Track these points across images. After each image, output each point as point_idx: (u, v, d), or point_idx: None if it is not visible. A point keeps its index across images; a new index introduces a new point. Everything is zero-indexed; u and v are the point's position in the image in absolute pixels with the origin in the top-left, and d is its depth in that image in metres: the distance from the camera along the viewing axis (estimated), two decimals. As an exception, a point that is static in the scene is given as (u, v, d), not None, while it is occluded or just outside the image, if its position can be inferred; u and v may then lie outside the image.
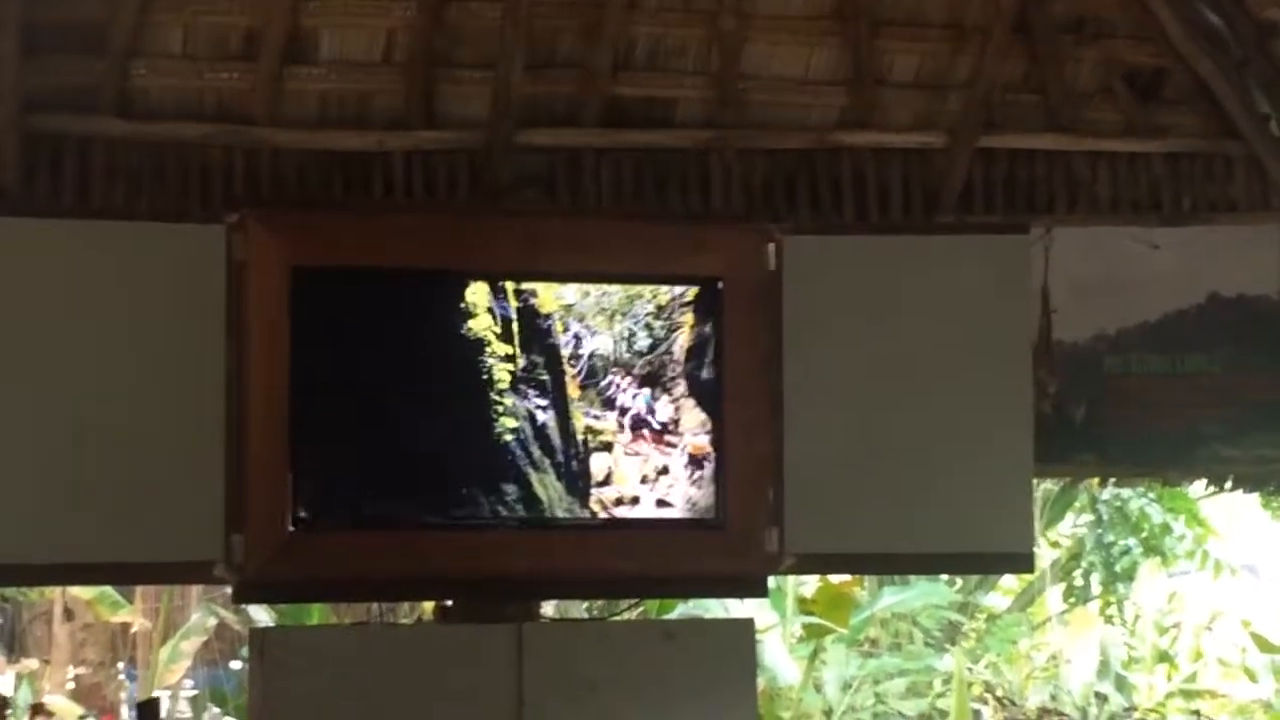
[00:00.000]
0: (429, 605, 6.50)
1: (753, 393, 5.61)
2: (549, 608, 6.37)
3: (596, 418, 5.58)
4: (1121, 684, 13.59)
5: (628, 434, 5.57)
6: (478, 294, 5.45)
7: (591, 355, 5.56)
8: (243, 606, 11.51)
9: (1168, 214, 6.75)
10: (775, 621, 12.46)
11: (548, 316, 5.53)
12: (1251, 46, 6.62)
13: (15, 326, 5.34)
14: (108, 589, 12.70)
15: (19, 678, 13.95)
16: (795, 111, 6.70)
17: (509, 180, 6.41)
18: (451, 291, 5.46)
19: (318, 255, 5.43)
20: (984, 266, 5.85)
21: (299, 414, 5.34)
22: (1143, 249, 6.69)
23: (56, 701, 12.99)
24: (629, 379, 5.59)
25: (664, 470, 5.61)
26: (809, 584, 12.53)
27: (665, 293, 5.59)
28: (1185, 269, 6.69)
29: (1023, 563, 6.17)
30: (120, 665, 14.76)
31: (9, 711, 11.78)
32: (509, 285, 5.47)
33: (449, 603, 5.69)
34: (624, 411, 5.59)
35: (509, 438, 5.49)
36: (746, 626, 5.80)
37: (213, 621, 13.37)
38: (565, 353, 5.53)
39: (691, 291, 5.60)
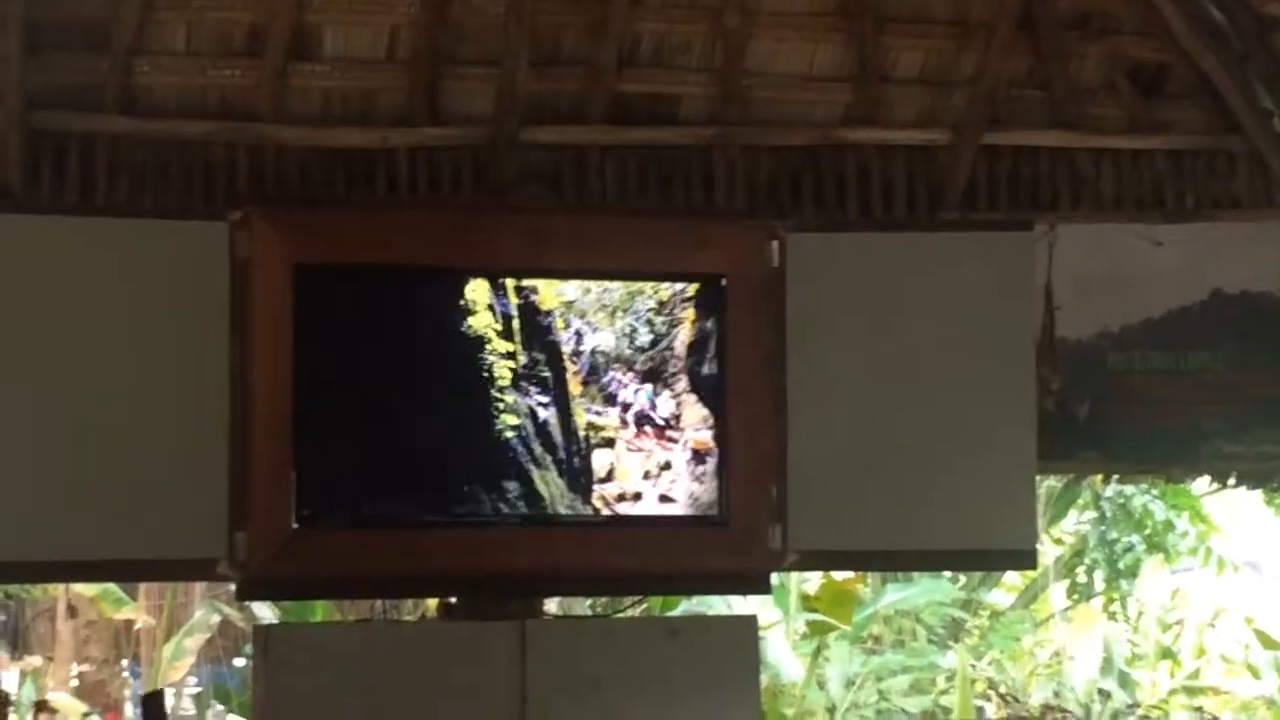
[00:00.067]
0: (432, 602, 6.52)
1: (756, 390, 5.60)
2: (552, 605, 6.35)
3: (598, 414, 5.58)
4: (1124, 681, 13.60)
5: (631, 430, 5.57)
6: (477, 291, 5.45)
7: (593, 352, 5.55)
8: (246, 604, 11.50)
9: (1171, 210, 6.75)
10: (779, 618, 12.47)
11: (548, 313, 5.53)
12: (1254, 41, 6.61)
13: (19, 324, 5.35)
14: (111, 586, 12.70)
15: (22, 675, 13.96)
16: (799, 108, 6.70)
17: (513, 177, 6.42)
18: (452, 289, 5.46)
19: (321, 252, 5.43)
20: (988, 263, 5.85)
21: (302, 411, 5.34)
22: (1146, 246, 6.68)
23: (60, 699, 12.99)
24: (631, 375, 5.59)
25: (666, 466, 5.61)
26: (812, 581, 12.54)
27: (666, 288, 5.59)
28: (1188, 265, 6.69)
29: (1026, 560, 6.17)
30: (124, 662, 14.77)
31: (11, 708, 11.79)
32: (509, 282, 5.47)
33: (452, 600, 5.69)
34: (626, 408, 5.59)
35: (510, 435, 5.49)
36: (750, 623, 5.80)
37: (216, 619, 13.38)
38: (566, 349, 5.53)
39: (692, 287, 5.60)
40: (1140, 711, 12.79)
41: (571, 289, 5.54)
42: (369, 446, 5.45)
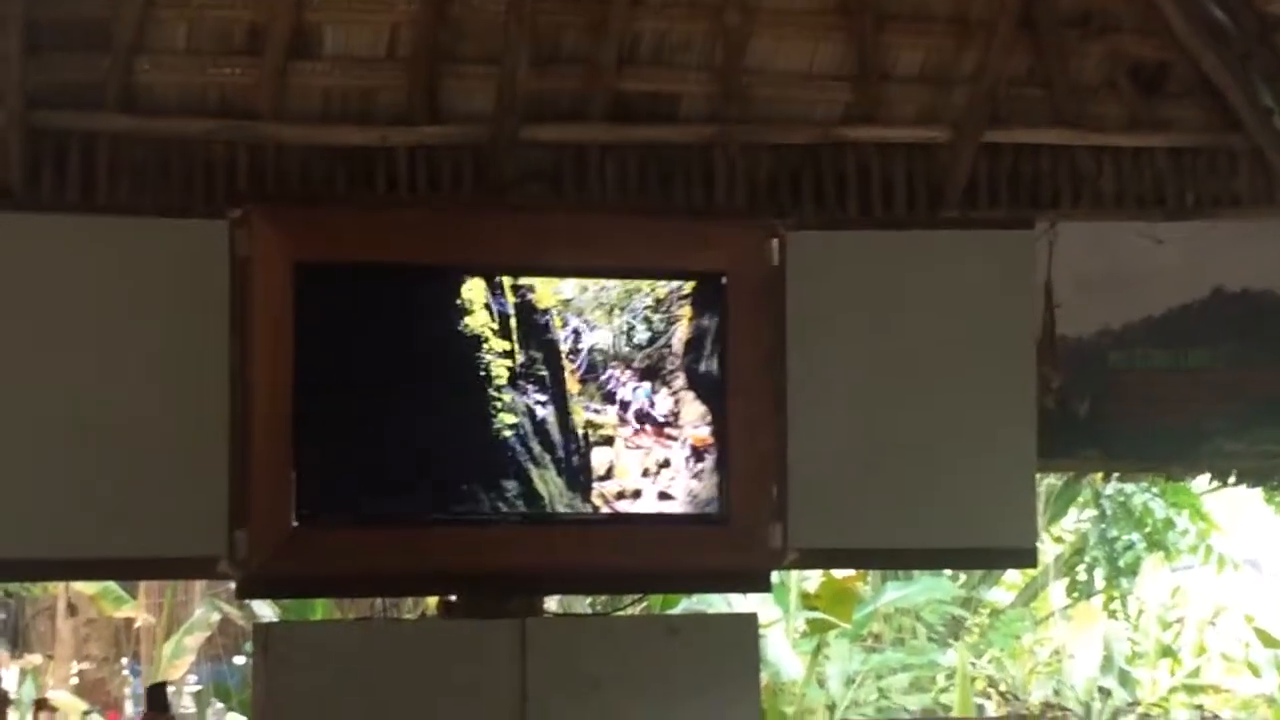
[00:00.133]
0: (432, 601, 6.51)
1: (756, 388, 5.61)
2: (552, 603, 6.36)
3: (597, 412, 5.58)
4: (1125, 679, 13.58)
5: (631, 428, 5.58)
6: (474, 290, 5.45)
7: (591, 350, 5.56)
8: (246, 602, 11.49)
9: (1172, 209, 6.74)
10: (778, 616, 12.46)
11: (545, 312, 5.53)
12: (1255, 40, 6.61)
13: (20, 322, 5.36)
14: (111, 584, 12.70)
15: (22, 673, 13.94)
16: (800, 106, 6.70)
17: (514, 176, 6.41)
18: (451, 287, 5.46)
19: (321, 251, 5.43)
20: (988, 261, 5.86)
21: (302, 409, 5.35)
22: (1147, 244, 6.68)
23: (60, 697, 12.97)
24: (629, 373, 5.59)
25: (665, 463, 5.61)
26: (812, 579, 12.53)
27: (663, 286, 5.60)
28: (1189, 264, 6.68)
29: (1026, 558, 6.19)
30: (124, 661, 14.75)
31: (11, 706, 11.78)
32: (506, 281, 5.48)
33: (452, 598, 5.69)
34: (625, 405, 5.60)
35: (508, 434, 5.50)
36: (750, 622, 5.81)
37: (216, 617, 13.36)
38: (564, 348, 5.53)
39: (689, 285, 5.60)
40: (1140, 710, 12.78)
41: (569, 287, 5.54)
42: (369, 445, 5.45)
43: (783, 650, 12.40)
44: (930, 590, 13.41)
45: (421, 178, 6.41)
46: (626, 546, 5.56)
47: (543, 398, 5.52)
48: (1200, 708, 12.48)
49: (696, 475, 5.61)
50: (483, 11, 6.39)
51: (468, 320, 5.48)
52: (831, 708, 12.96)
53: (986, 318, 5.82)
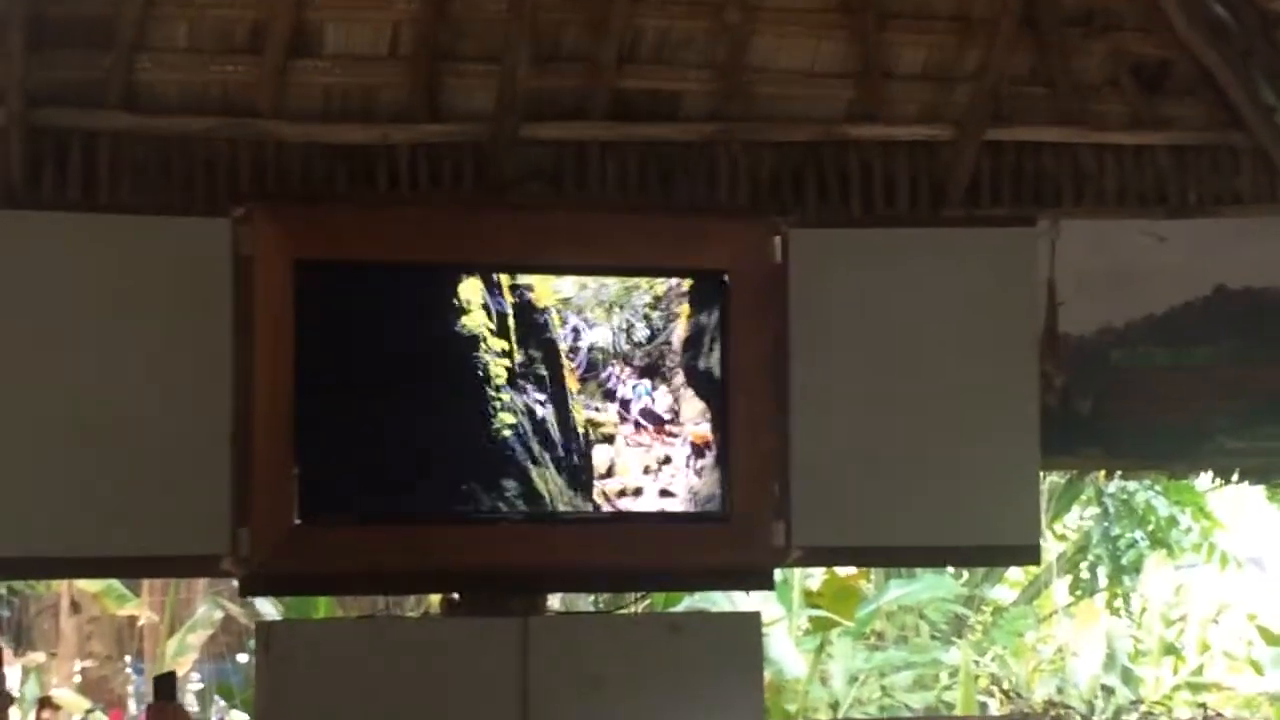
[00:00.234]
0: (435, 599, 6.51)
1: (759, 386, 5.61)
2: (555, 601, 6.36)
3: (597, 410, 5.58)
4: (1128, 677, 13.58)
5: (631, 425, 5.58)
6: (471, 290, 5.45)
7: (590, 348, 5.56)
8: (249, 600, 11.50)
9: (1174, 206, 6.74)
10: (781, 614, 12.46)
11: (544, 310, 5.53)
12: (1257, 37, 6.61)
13: (21, 320, 5.36)
14: (114, 582, 12.71)
15: (25, 671, 13.95)
16: (801, 104, 6.69)
17: (514, 174, 6.41)
18: (450, 286, 5.46)
19: (323, 249, 5.44)
20: (991, 259, 5.85)
21: (304, 407, 5.35)
22: (1149, 241, 6.67)
23: (63, 695, 12.99)
24: (629, 370, 5.59)
25: (666, 460, 5.62)
26: (815, 577, 12.53)
27: (661, 283, 5.61)
28: (1191, 261, 6.68)
29: (1029, 555, 6.18)
30: (127, 658, 14.77)
31: (14, 704, 11.79)
32: (504, 280, 5.47)
33: (455, 596, 5.69)
34: (625, 403, 5.60)
35: (507, 433, 5.50)
36: (753, 619, 5.81)
37: (219, 615, 13.38)
38: (563, 346, 5.54)
39: (686, 282, 5.61)
40: (1143, 708, 12.77)
41: (568, 285, 5.54)
42: (372, 442, 5.45)
43: (786, 648, 12.39)
44: (933, 588, 13.41)
45: (423, 176, 6.41)
46: (629, 544, 5.56)
47: (541, 397, 5.53)
48: (1203, 706, 12.46)
49: (698, 472, 5.62)
50: (483, 9, 6.40)
51: (465, 320, 5.48)
52: (835, 706, 12.97)
53: (989, 316, 5.81)
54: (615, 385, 5.59)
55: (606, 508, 5.57)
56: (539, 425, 5.53)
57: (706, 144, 6.57)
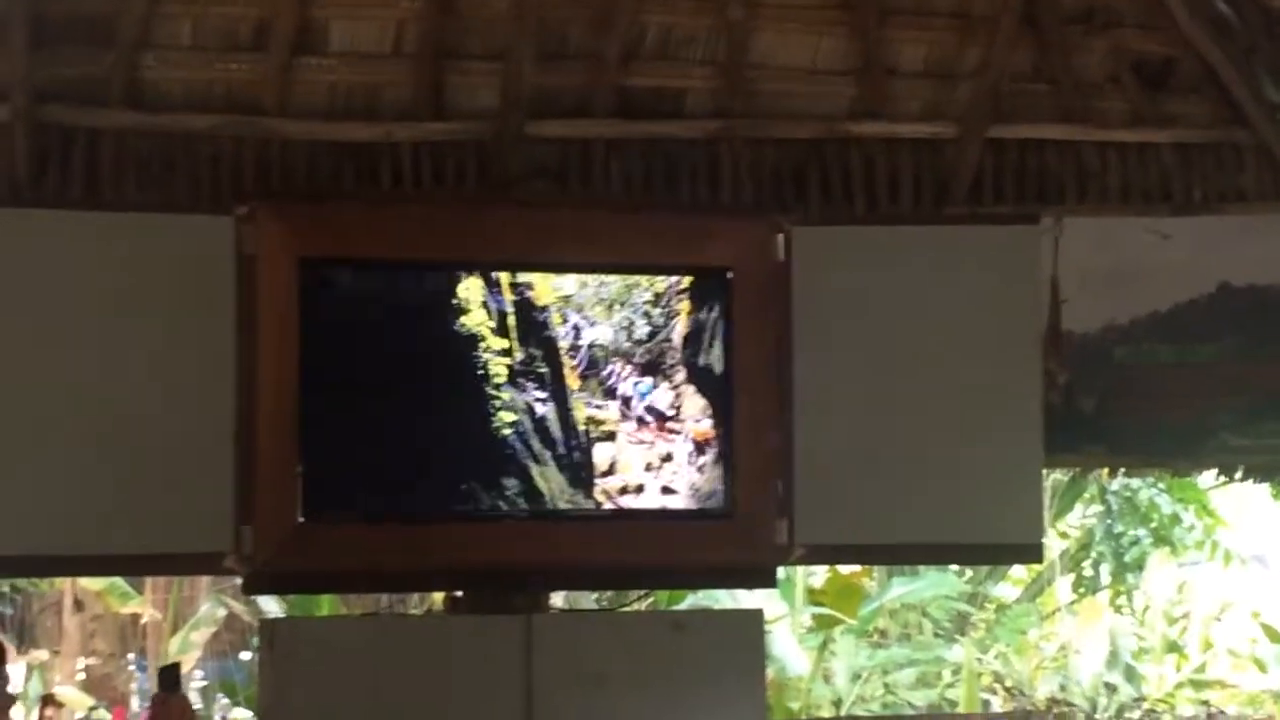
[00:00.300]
0: (438, 596, 6.51)
1: (761, 383, 5.61)
2: (558, 599, 6.37)
3: (599, 408, 5.58)
4: (1131, 674, 13.56)
5: (633, 423, 5.58)
6: (471, 289, 5.45)
7: (591, 346, 5.56)
8: (252, 598, 11.50)
9: (1177, 204, 6.74)
10: (784, 612, 12.45)
11: (544, 309, 5.54)
12: (1260, 34, 6.61)
13: (25, 318, 5.36)
14: (117, 580, 12.71)
15: (29, 669, 13.95)
16: (804, 101, 6.69)
17: (519, 171, 6.42)
18: (452, 284, 5.46)
19: (327, 247, 5.44)
20: (994, 257, 5.85)
21: (308, 405, 5.35)
22: (1153, 239, 6.67)
23: (66, 692, 12.98)
24: (630, 368, 5.60)
25: (668, 458, 5.62)
26: (818, 574, 12.53)
27: (662, 280, 5.61)
28: (1195, 259, 6.68)
29: (1032, 553, 6.18)
30: (130, 656, 14.77)
31: (14, 705, 11.80)
32: (504, 278, 5.48)
33: (458, 594, 5.69)
34: (626, 401, 5.60)
35: (508, 431, 5.50)
36: (755, 617, 5.81)
37: (222, 612, 13.38)
38: (564, 344, 5.54)
39: (687, 279, 5.61)
40: (1146, 705, 12.73)
41: (569, 283, 5.54)
42: (375, 441, 5.46)
43: (788, 646, 12.38)
44: (936, 586, 13.40)
45: (427, 174, 6.42)
46: (632, 542, 5.57)
47: (542, 395, 5.53)
48: (1206, 703, 12.44)
49: (700, 470, 5.62)
50: (488, 7, 6.40)
51: (465, 319, 5.49)
52: (837, 703, 12.96)
53: (992, 313, 5.81)
54: (616, 383, 5.59)
55: (608, 505, 5.57)
56: (540, 423, 5.53)
57: (710, 141, 6.57)
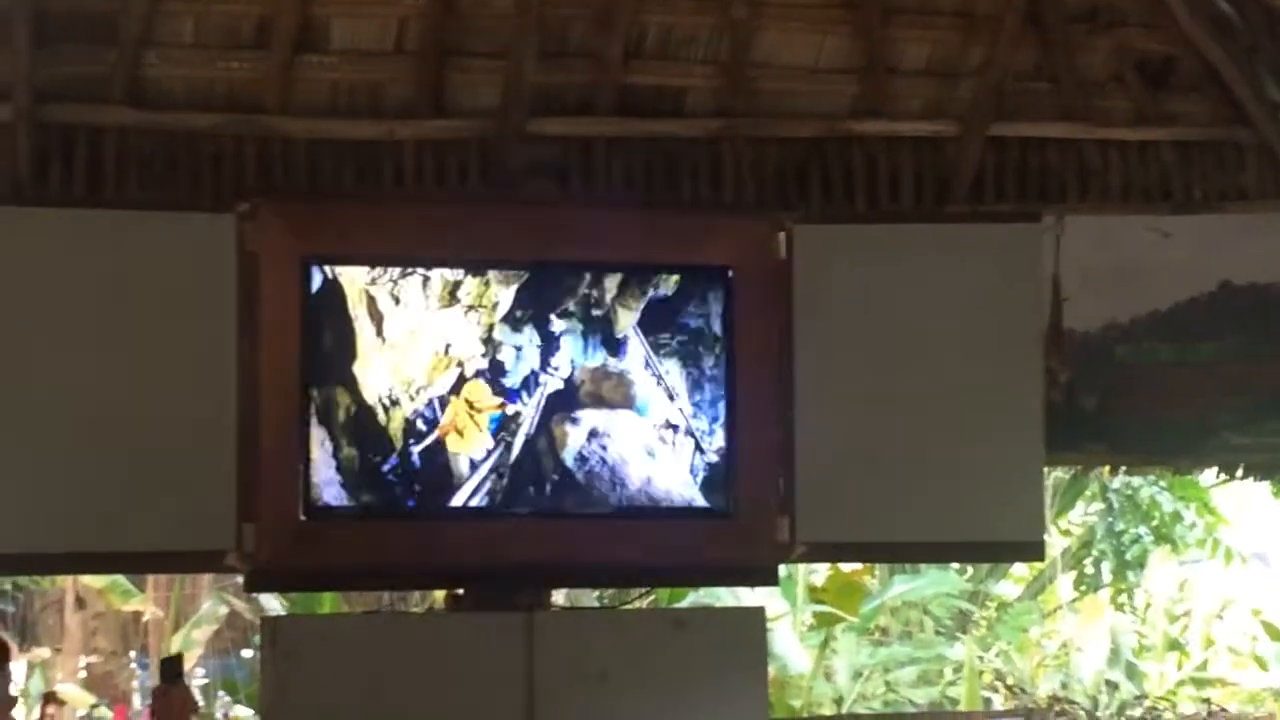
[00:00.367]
0: (440, 594, 6.51)
1: (763, 381, 5.62)
2: (560, 596, 6.38)
3: (601, 407, 5.59)
4: (1132, 672, 13.58)
5: (635, 421, 5.59)
6: (478, 287, 5.48)
7: (597, 344, 5.59)
8: (254, 595, 11.51)
9: (1179, 202, 6.74)
10: (786, 610, 12.46)
11: (555, 308, 5.57)
12: (1262, 33, 6.61)
13: (27, 316, 5.37)
14: (119, 578, 12.72)
15: (31, 666, 13.96)
16: (806, 100, 6.69)
17: (521, 170, 6.41)
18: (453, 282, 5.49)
19: (329, 244, 5.45)
20: (995, 255, 5.86)
21: (309, 402, 5.36)
22: (1154, 237, 6.67)
23: (68, 690, 13.00)
24: (633, 367, 5.61)
25: (670, 456, 5.62)
26: (819, 572, 12.53)
27: (667, 278, 5.62)
28: (1196, 257, 6.67)
29: (1033, 551, 6.18)
30: (132, 654, 14.78)
31: (15, 706, 11.80)
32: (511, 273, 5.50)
33: (460, 591, 5.69)
34: (630, 400, 5.60)
35: (514, 429, 5.52)
36: (757, 615, 5.82)
37: (224, 610, 13.40)
38: (572, 343, 5.56)
39: (696, 279, 5.62)
40: (1148, 703, 12.75)
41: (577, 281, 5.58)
42: (376, 439, 5.46)
43: (790, 644, 12.40)
44: (937, 584, 13.41)
45: (429, 172, 6.42)
46: (634, 540, 5.57)
47: (550, 391, 5.54)
48: (1207, 701, 12.44)
49: (702, 468, 5.62)
50: (490, 5, 6.40)
51: (480, 318, 5.51)
52: (839, 701, 12.97)
53: (993, 312, 5.82)
54: (620, 382, 5.59)
55: (610, 503, 5.57)
56: (543, 421, 5.54)
57: (712, 140, 6.57)
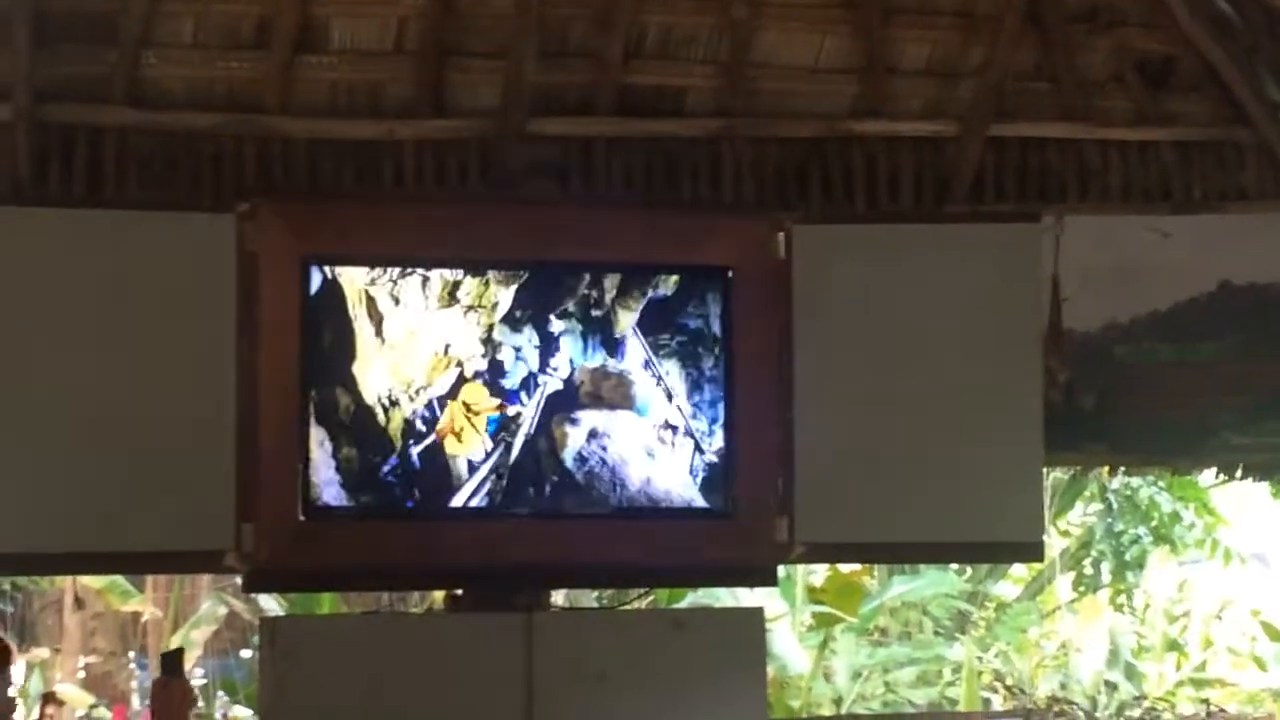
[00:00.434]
0: (439, 594, 6.51)
1: (762, 381, 5.62)
2: (559, 597, 6.38)
3: (600, 406, 5.59)
4: (1131, 672, 13.56)
5: (636, 421, 5.59)
6: (477, 288, 5.48)
7: (597, 345, 5.59)
8: (253, 595, 11.50)
9: (1178, 202, 6.75)
10: (785, 611, 12.45)
11: (554, 307, 5.57)
12: (1262, 33, 6.61)
13: (26, 316, 5.36)
14: (118, 578, 12.70)
15: (30, 666, 13.95)
16: (806, 100, 6.69)
17: (521, 170, 6.41)
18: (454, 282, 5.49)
19: (328, 244, 5.45)
20: (995, 255, 5.86)
21: (309, 402, 5.36)
22: (1154, 237, 6.67)
23: (67, 690, 12.98)
24: (634, 366, 5.61)
25: (669, 455, 5.62)
26: (818, 573, 12.52)
27: (666, 279, 5.62)
28: (1196, 257, 6.68)
29: (1033, 551, 6.18)
30: (131, 654, 14.77)
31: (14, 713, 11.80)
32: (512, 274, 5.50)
33: (459, 592, 5.70)
34: (630, 399, 5.60)
35: (512, 428, 5.52)
36: (756, 615, 5.82)
37: (223, 610, 13.38)
38: (573, 343, 5.55)
39: (696, 279, 5.62)
40: (1146, 703, 12.73)
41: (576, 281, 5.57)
42: (374, 439, 5.46)
43: (789, 644, 12.39)
44: (936, 584, 13.40)
45: (428, 171, 6.42)
46: (633, 540, 5.57)
47: (550, 391, 5.55)
48: (1206, 701, 12.42)
49: (701, 468, 5.62)
50: (490, 5, 6.40)
51: (475, 318, 5.51)
52: (838, 701, 12.96)
53: (993, 312, 5.82)
54: (618, 382, 5.59)
55: (610, 503, 5.57)
56: (542, 420, 5.54)
57: (711, 140, 6.57)
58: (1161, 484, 13.50)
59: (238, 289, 5.38)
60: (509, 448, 5.53)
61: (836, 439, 5.68)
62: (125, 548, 5.46)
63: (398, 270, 5.48)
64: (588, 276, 5.59)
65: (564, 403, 5.57)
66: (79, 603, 14.41)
